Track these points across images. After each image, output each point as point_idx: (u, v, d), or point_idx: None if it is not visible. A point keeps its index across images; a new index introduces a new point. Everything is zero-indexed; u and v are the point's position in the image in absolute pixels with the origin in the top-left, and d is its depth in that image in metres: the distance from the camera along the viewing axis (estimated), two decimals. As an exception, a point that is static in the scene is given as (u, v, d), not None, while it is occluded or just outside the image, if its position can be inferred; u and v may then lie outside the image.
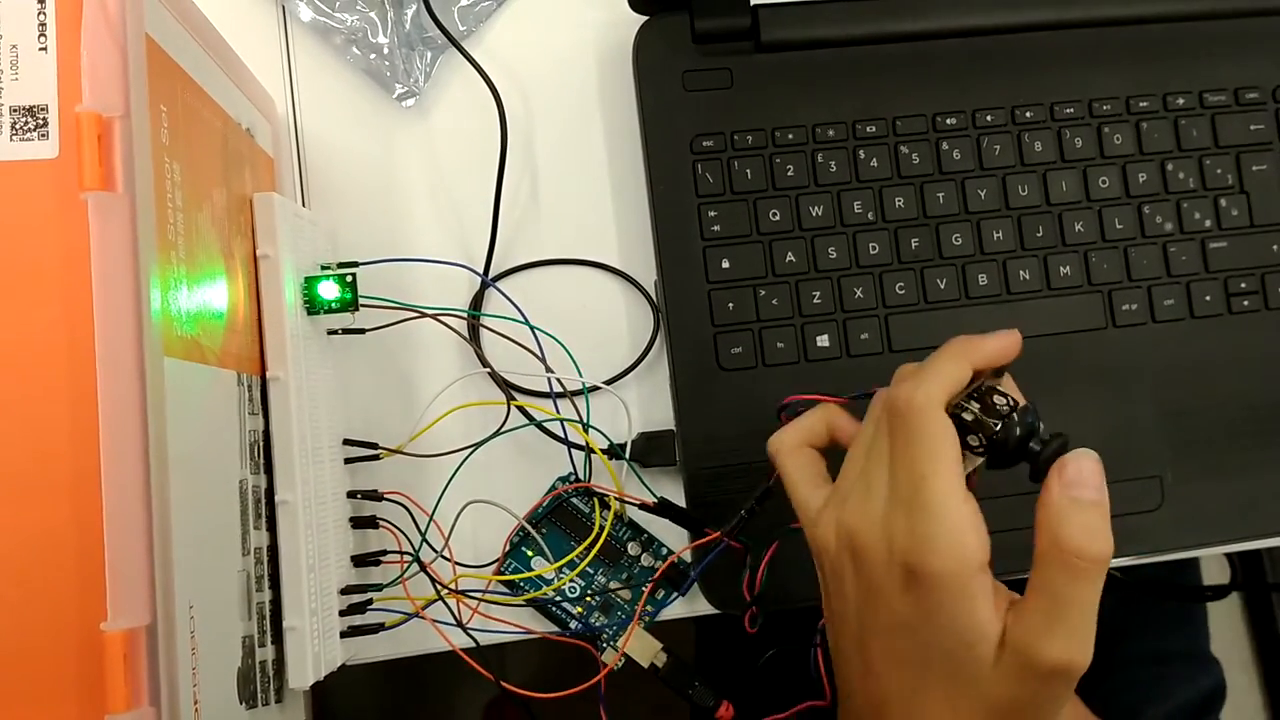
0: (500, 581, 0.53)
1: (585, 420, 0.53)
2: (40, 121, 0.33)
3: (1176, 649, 0.76)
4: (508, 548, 0.53)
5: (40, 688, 0.32)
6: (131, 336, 0.32)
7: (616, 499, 0.53)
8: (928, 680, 0.41)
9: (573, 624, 0.53)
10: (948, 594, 0.39)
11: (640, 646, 0.53)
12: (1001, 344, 0.43)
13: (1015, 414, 0.41)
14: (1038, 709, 0.40)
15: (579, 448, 0.53)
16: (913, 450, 0.41)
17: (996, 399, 0.41)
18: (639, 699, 0.68)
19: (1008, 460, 0.41)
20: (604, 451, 0.53)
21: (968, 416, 0.41)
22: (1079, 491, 0.39)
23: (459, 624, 0.50)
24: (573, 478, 0.54)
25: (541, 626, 0.53)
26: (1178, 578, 0.75)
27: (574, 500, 0.53)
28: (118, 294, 0.32)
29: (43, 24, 0.33)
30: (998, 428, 0.41)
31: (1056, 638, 0.38)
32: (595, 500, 0.53)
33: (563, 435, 0.53)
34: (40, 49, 0.33)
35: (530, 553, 0.53)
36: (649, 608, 0.54)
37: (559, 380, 0.54)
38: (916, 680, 0.41)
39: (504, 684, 0.49)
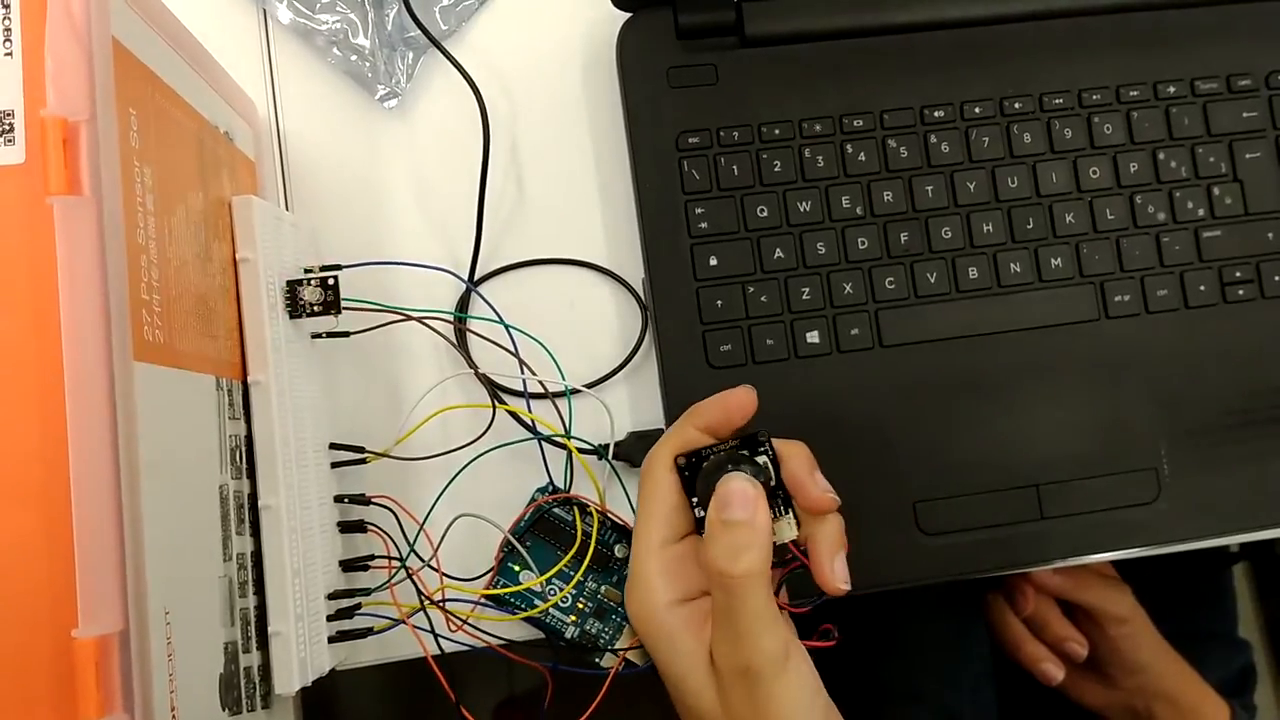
0: (490, 598, 0.52)
1: (568, 427, 0.52)
2: (6, 127, 0.33)
3: (1208, 629, 0.78)
4: (497, 564, 0.52)
5: (13, 696, 0.32)
6: (100, 341, 0.32)
7: (598, 510, 0.53)
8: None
9: (569, 632, 0.53)
10: (647, 636, 0.45)
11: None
12: (720, 403, 0.47)
13: (728, 464, 0.44)
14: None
15: (559, 446, 0.52)
16: (638, 502, 0.47)
17: (723, 454, 0.45)
18: (642, 700, 0.68)
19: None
20: (587, 453, 0.53)
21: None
22: (726, 512, 0.42)
23: (434, 634, 0.50)
24: (550, 488, 0.53)
25: (535, 635, 0.53)
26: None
27: (556, 510, 0.53)
28: (85, 299, 0.32)
29: (7, 29, 0.33)
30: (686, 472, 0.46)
31: (732, 645, 0.42)
32: (575, 509, 0.53)
33: (553, 442, 0.53)
34: (5, 54, 0.33)
35: (517, 568, 0.53)
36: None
37: (541, 383, 0.53)
38: None
39: (462, 707, 0.49)
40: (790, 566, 0.46)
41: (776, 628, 0.42)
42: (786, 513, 0.45)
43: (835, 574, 0.44)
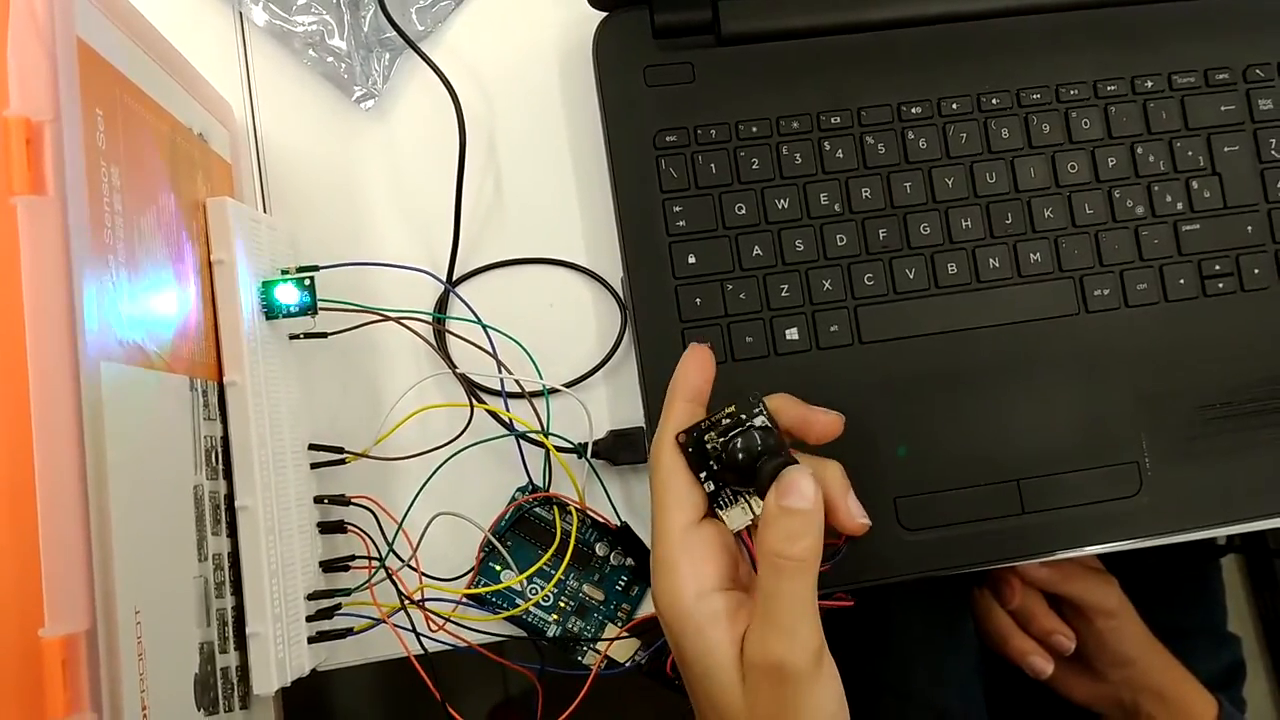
0: (472, 597, 0.52)
1: (545, 426, 0.52)
2: (-30, 127, 0.33)
3: (1196, 625, 0.78)
4: (478, 563, 0.52)
5: (-21, 696, 0.32)
6: (64, 341, 0.32)
7: (577, 509, 0.53)
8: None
9: (551, 630, 0.53)
10: (673, 627, 0.44)
11: (620, 646, 0.53)
12: (683, 368, 0.47)
13: (739, 435, 0.44)
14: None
15: (538, 445, 0.53)
16: (652, 492, 0.46)
17: (725, 421, 0.45)
18: (625, 698, 0.68)
19: (743, 478, 0.45)
20: (566, 451, 0.53)
21: (709, 444, 0.45)
22: (789, 500, 0.42)
23: (415, 632, 0.50)
24: (530, 488, 0.53)
25: (517, 634, 0.53)
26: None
27: (536, 510, 0.53)
28: (49, 298, 0.32)
29: (-30, 30, 0.33)
30: (721, 445, 0.45)
31: (770, 635, 0.41)
32: (555, 508, 0.53)
33: (531, 440, 0.53)
34: (-31, 55, 0.33)
35: (498, 567, 0.53)
36: (626, 606, 0.53)
37: (518, 382, 0.53)
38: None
39: (448, 706, 0.49)
40: None
41: (815, 626, 0.42)
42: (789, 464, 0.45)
43: (852, 512, 0.45)
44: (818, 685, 0.41)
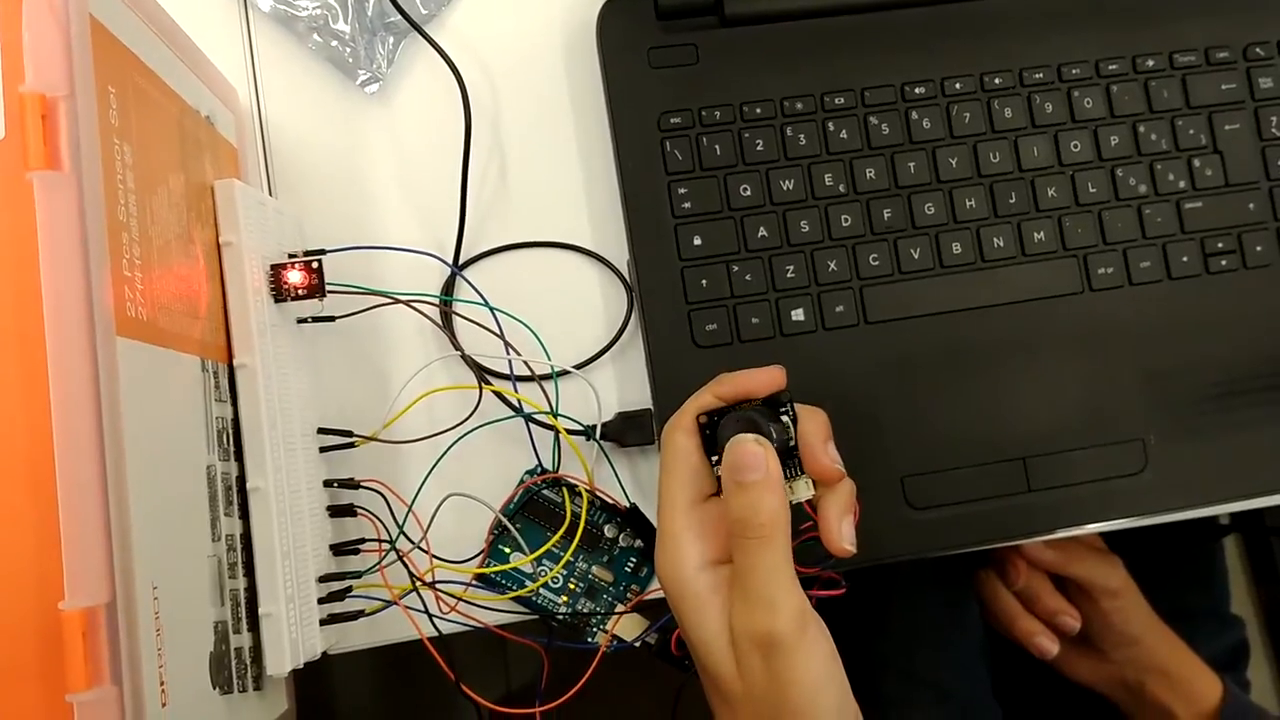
0: (481, 578, 0.52)
1: (554, 407, 0.52)
2: (-15, 103, 0.33)
3: (1199, 606, 0.78)
4: (488, 545, 0.53)
5: (1, 668, 0.32)
6: (81, 314, 0.32)
7: (587, 490, 0.53)
8: (714, 701, 0.44)
9: (560, 611, 0.53)
10: (674, 598, 0.44)
11: (628, 625, 0.53)
12: (747, 379, 0.47)
13: (751, 418, 0.45)
14: (783, 699, 0.41)
15: (548, 427, 0.53)
16: (660, 468, 0.46)
17: (745, 413, 0.45)
18: (633, 676, 0.68)
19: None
20: (575, 433, 0.53)
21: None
22: (738, 475, 0.42)
23: (429, 614, 0.50)
24: (539, 470, 0.53)
25: (527, 617, 0.53)
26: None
27: (545, 492, 0.53)
28: (66, 272, 0.32)
29: (-16, 6, 0.33)
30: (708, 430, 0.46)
31: (751, 609, 0.41)
32: (565, 490, 0.53)
33: (539, 421, 0.53)
34: (-17, 31, 0.33)
35: (507, 549, 0.53)
36: (635, 587, 0.54)
37: (526, 364, 0.53)
38: (716, 703, 0.44)
39: (462, 685, 0.49)
40: (802, 539, 0.47)
41: (793, 592, 0.42)
42: (803, 473, 0.45)
43: (842, 535, 0.45)
44: (803, 648, 0.41)
